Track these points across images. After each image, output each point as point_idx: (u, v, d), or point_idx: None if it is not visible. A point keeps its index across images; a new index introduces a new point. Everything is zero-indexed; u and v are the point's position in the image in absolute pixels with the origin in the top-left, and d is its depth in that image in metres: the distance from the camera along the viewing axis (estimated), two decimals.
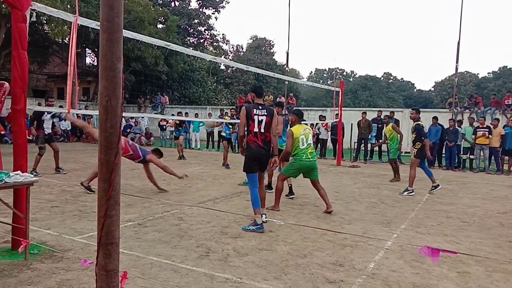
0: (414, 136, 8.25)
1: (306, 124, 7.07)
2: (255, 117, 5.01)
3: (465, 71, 50.83)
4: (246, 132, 5.14)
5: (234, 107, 17.46)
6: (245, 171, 5.14)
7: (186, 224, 5.21)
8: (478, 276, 3.75)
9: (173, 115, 21.33)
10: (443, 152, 13.60)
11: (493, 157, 12.82)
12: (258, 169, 5.10)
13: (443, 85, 52.10)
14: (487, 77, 51.83)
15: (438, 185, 8.44)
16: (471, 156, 13.23)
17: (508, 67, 49.73)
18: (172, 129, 18.81)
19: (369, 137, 14.93)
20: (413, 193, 8.05)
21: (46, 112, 9.15)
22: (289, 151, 6.26)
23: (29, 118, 12.14)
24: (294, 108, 6.95)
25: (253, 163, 5.05)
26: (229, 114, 12.01)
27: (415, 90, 60.93)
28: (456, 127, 13.37)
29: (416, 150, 8.16)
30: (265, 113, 5.06)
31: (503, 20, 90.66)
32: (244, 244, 4.45)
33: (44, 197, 6.52)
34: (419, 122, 8.35)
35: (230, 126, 12.70)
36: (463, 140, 13.29)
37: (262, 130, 5.02)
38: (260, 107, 5.09)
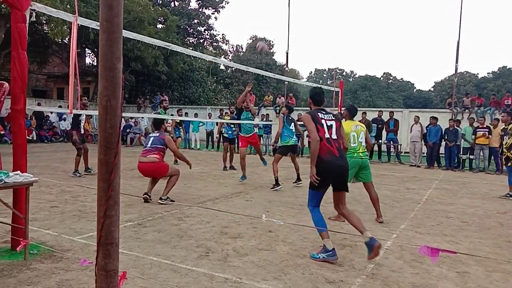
0: None
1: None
2: (323, 121, 4.13)
3: (465, 71, 50.91)
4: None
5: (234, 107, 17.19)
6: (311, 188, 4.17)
7: (186, 224, 5.21)
8: (478, 276, 3.75)
9: (172, 115, 21.31)
10: (443, 152, 13.61)
11: (492, 157, 12.82)
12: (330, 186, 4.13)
13: (442, 85, 52.17)
14: (486, 77, 51.88)
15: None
16: (471, 156, 13.23)
17: (507, 67, 49.79)
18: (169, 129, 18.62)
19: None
20: None
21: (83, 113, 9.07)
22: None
23: (28, 118, 12.12)
24: (349, 104, 6.44)
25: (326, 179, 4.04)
26: (229, 113, 11.86)
27: (414, 90, 60.97)
28: (456, 127, 13.38)
29: None
30: (333, 118, 4.24)
31: (503, 20, 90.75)
32: (243, 244, 4.45)
33: (43, 197, 6.52)
34: None
35: (233, 126, 12.55)
36: (462, 140, 13.30)
37: (335, 137, 4.15)
38: (324, 112, 4.26)
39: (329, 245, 3.94)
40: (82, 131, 9.32)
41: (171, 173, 6.55)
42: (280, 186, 8.07)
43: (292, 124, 8.52)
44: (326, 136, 4.06)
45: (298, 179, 8.74)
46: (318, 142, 3.98)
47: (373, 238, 3.78)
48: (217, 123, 17.76)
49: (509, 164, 8.09)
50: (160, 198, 6.34)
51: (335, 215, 5.78)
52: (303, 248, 4.37)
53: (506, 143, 8.15)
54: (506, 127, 8.33)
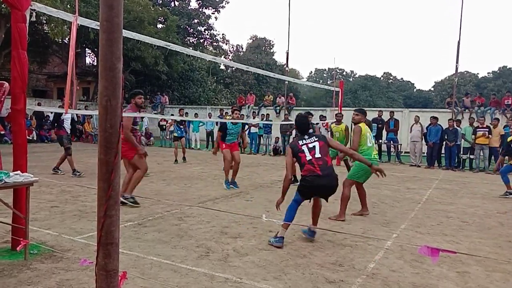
0: None
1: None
2: (303, 148, 4.49)
3: (465, 71, 50.89)
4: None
5: (235, 105, 17.07)
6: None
7: (186, 224, 5.21)
8: (478, 276, 3.75)
9: (172, 115, 21.35)
10: (443, 152, 13.61)
11: (493, 157, 12.82)
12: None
13: (443, 85, 52.17)
14: (487, 77, 51.88)
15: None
16: (471, 156, 13.23)
17: (508, 67, 49.79)
18: (172, 128, 18.47)
19: None
20: None
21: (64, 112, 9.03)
22: (356, 148, 5.75)
23: (29, 118, 12.13)
24: (359, 108, 6.70)
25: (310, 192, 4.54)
26: (230, 112, 11.53)
27: (415, 90, 60.94)
28: (455, 126, 13.37)
29: None
30: (316, 139, 4.56)
31: (503, 20, 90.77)
32: (244, 244, 4.45)
33: (44, 197, 6.52)
34: None
35: (245, 126, 12.31)
36: (463, 140, 13.30)
37: (318, 155, 4.42)
38: (307, 137, 4.61)
39: (281, 233, 4.44)
40: (68, 131, 9.25)
41: (136, 163, 6.06)
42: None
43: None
44: (307, 158, 4.39)
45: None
46: (287, 180, 4.49)
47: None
48: (217, 123, 17.77)
49: (510, 162, 8.19)
50: (122, 196, 5.78)
51: (335, 214, 5.78)
52: (303, 248, 4.37)
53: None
54: None
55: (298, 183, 4.57)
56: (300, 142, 4.54)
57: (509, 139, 8.63)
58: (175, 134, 13.08)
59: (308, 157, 4.39)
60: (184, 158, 12.81)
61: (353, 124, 6.22)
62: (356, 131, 5.87)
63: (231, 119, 8.28)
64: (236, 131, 8.13)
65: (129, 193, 6.09)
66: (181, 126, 13.22)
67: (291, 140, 16.82)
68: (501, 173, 8.47)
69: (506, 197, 8.12)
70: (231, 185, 8.09)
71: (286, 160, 4.60)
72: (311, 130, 6.04)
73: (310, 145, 4.47)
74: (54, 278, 3.31)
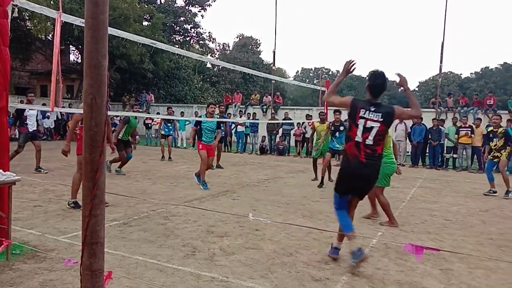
0: (502, 142, 8.32)
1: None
2: (360, 122, 3.70)
3: (449, 71, 51.63)
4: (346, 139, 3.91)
5: (222, 103, 17.06)
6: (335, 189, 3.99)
7: (172, 223, 5.18)
8: (461, 273, 3.82)
9: (158, 113, 21.19)
10: (427, 151, 13.81)
11: (475, 156, 13.06)
12: (352, 194, 3.93)
13: (427, 85, 52.84)
14: (469, 77, 52.77)
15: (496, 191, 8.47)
16: (454, 155, 13.46)
17: (490, 68, 50.81)
18: (156, 127, 18.39)
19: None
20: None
21: (27, 109, 8.89)
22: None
23: (11, 117, 11.91)
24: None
25: (345, 183, 3.89)
26: (219, 112, 11.53)
27: (399, 90, 61.51)
28: (439, 126, 13.59)
29: (507, 154, 8.35)
30: (380, 119, 3.68)
31: (486, 22, 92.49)
32: (230, 243, 4.44)
33: (26, 196, 6.41)
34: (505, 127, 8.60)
35: (222, 125, 12.40)
36: (446, 139, 13.52)
37: (369, 142, 3.68)
38: (373, 108, 3.71)
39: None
40: (31, 129, 9.12)
41: (78, 161, 5.85)
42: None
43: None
44: (356, 139, 3.69)
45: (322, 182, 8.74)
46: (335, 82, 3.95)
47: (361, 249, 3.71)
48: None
49: (495, 160, 8.44)
50: (68, 202, 5.79)
51: (386, 220, 5.60)
52: (289, 247, 4.39)
53: (496, 144, 8.45)
54: (495, 130, 8.57)
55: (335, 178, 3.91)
56: (362, 112, 3.69)
57: (489, 129, 8.86)
58: (163, 132, 13.11)
59: (359, 138, 3.68)
60: (169, 157, 12.78)
61: None
62: None
63: (206, 114, 8.09)
64: (212, 127, 7.85)
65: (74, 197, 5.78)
66: (169, 124, 13.23)
67: (277, 139, 16.92)
68: (486, 171, 8.71)
69: (489, 195, 8.29)
70: (195, 180, 8.06)
71: (337, 101, 3.98)
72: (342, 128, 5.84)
73: (368, 125, 3.67)
74: (37, 278, 3.25)
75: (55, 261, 3.64)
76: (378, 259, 4.10)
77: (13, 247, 3.79)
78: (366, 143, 3.66)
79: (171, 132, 13.88)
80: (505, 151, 8.30)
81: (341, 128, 8.83)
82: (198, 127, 7.83)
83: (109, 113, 4.49)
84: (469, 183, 10.22)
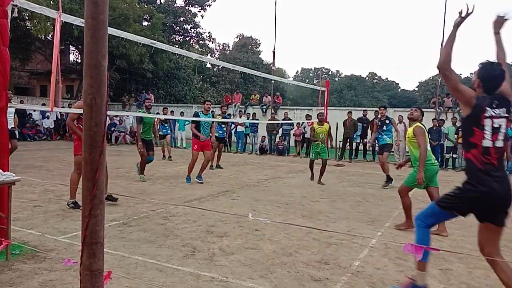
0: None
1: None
2: (487, 122, 2.84)
3: None
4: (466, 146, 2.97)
5: (224, 104, 17.06)
6: (445, 206, 3.11)
7: (172, 223, 5.18)
8: (460, 273, 3.82)
9: (158, 113, 21.16)
10: None
11: None
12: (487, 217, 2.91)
13: (426, 85, 52.85)
14: (469, 77, 52.76)
15: None
16: (454, 155, 13.47)
17: None
18: (158, 127, 18.60)
19: (354, 136, 15.09)
20: None
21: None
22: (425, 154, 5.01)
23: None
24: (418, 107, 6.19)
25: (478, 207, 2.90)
26: (221, 112, 11.66)
27: (399, 90, 61.66)
28: (439, 126, 13.60)
29: None
30: (505, 114, 2.87)
31: (485, 21, 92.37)
32: (230, 243, 4.44)
33: (26, 196, 6.41)
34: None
35: (223, 126, 12.46)
36: (446, 139, 13.52)
37: (500, 144, 2.83)
38: (496, 103, 2.87)
39: (420, 279, 3.09)
40: (8, 126, 9.02)
41: (74, 161, 5.92)
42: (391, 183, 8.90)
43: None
44: (484, 144, 2.80)
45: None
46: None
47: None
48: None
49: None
50: (67, 202, 5.82)
51: (402, 223, 5.40)
52: (289, 247, 4.39)
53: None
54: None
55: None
56: (488, 110, 2.85)
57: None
58: (160, 133, 13.32)
59: (487, 142, 2.81)
60: (169, 157, 12.86)
61: (409, 120, 5.67)
62: (421, 133, 5.15)
63: (202, 110, 8.84)
64: (208, 122, 8.64)
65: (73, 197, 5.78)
66: (166, 125, 13.45)
67: (277, 139, 16.91)
68: None
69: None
70: (198, 180, 8.50)
71: (457, 78, 3.07)
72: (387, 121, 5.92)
73: (496, 123, 2.83)
74: (37, 278, 3.25)
75: (54, 261, 3.64)
76: (377, 259, 4.11)
77: (13, 247, 3.79)
78: (497, 145, 2.82)
79: (168, 131, 14.13)
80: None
81: (387, 121, 9.60)
82: (196, 123, 8.54)
83: (109, 112, 4.46)
84: None
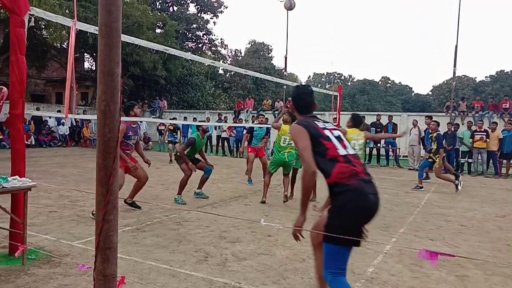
0: (435, 145, 8.91)
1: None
2: (327, 132, 2.70)
3: (463, 75, 50.99)
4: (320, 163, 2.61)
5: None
6: (329, 241, 2.58)
7: (185, 228, 5.19)
8: (477, 279, 3.74)
9: (171, 119, 21.32)
10: None
11: (491, 161, 12.85)
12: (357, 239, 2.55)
13: (440, 89, 52.28)
14: (484, 81, 52.03)
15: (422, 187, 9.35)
16: (469, 160, 13.25)
17: (505, 71, 49.95)
18: (167, 135, 19.10)
19: (367, 141, 14.96)
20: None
21: None
22: None
23: (27, 124, 12.06)
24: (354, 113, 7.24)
25: (355, 224, 2.59)
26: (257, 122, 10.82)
27: (413, 94, 61.09)
28: (454, 130, 13.41)
29: (439, 159, 8.88)
30: (334, 126, 2.87)
31: (501, 24, 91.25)
32: (242, 248, 4.44)
33: (42, 202, 6.50)
34: (439, 132, 9.19)
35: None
36: (461, 144, 13.33)
37: (352, 152, 2.72)
38: (321, 120, 2.89)
39: None
40: None
41: (132, 174, 6.04)
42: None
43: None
44: (341, 153, 2.61)
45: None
46: (314, 174, 2.58)
47: None
48: (215, 128, 17.94)
49: (434, 166, 9.01)
50: (124, 201, 6.11)
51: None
52: (302, 253, 4.36)
53: (432, 148, 9.05)
54: (431, 135, 9.15)
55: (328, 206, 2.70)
56: (319, 124, 2.76)
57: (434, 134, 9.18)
58: (170, 139, 14.32)
59: (342, 150, 2.63)
60: (170, 161, 13.47)
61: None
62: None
63: (257, 123, 9.86)
64: (261, 134, 9.71)
65: (130, 198, 6.20)
66: (175, 134, 14.32)
67: None
68: (420, 167, 9.50)
69: (416, 190, 9.07)
70: (248, 183, 9.24)
71: (302, 145, 2.62)
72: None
73: (335, 133, 2.75)
74: (52, 283, 3.29)
75: (69, 266, 3.68)
76: (392, 265, 4.05)
77: (29, 252, 3.84)
78: (351, 153, 2.69)
79: (176, 140, 14.60)
80: (438, 156, 8.84)
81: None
82: (250, 134, 9.75)
83: (122, 118, 4.47)
84: (484, 188, 10.04)
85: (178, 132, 15.07)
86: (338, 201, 2.54)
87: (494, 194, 9.04)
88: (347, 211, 2.49)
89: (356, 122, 6.59)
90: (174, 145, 13.94)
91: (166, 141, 14.88)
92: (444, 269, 3.98)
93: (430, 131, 9.28)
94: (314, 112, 2.97)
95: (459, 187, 9.05)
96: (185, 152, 7.04)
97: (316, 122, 2.79)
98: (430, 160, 9.05)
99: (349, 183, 2.49)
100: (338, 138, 2.72)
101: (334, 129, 2.80)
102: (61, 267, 3.65)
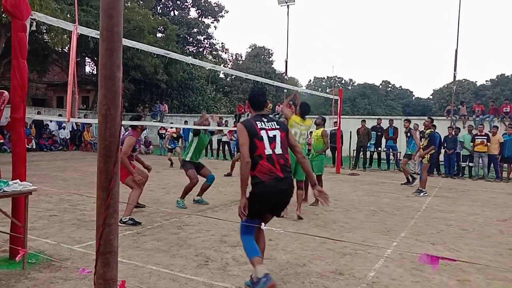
0: (426, 142, 9.03)
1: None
2: (263, 133, 3.32)
3: (463, 79, 51.04)
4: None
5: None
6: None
7: (185, 232, 5.19)
8: (478, 284, 3.73)
9: (172, 123, 21.38)
10: (442, 159, 13.61)
11: (492, 165, 12.84)
12: (267, 216, 3.46)
13: (441, 93, 52.31)
14: (485, 84, 52.05)
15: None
16: (470, 164, 13.23)
17: (505, 75, 49.98)
18: (168, 142, 19.26)
19: (368, 145, 14.97)
20: (426, 194, 9.06)
21: None
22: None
23: (28, 127, 12.08)
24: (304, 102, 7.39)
25: (263, 205, 3.31)
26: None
27: (413, 98, 61.12)
28: (454, 134, 13.40)
29: (429, 155, 9.01)
30: (276, 126, 3.44)
31: (501, 28, 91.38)
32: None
33: (42, 206, 6.50)
34: (433, 130, 9.37)
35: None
36: (462, 147, 13.32)
37: (279, 151, 3.34)
38: (265, 119, 3.46)
39: (259, 272, 3.08)
40: None
41: (129, 183, 5.73)
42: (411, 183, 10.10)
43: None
44: (267, 153, 3.26)
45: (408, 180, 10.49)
46: (248, 163, 3.20)
47: (267, 275, 3.06)
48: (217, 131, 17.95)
49: (423, 160, 9.15)
50: (120, 220, 5.33)
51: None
52: (303, 257, 4.35)
53: (423, 144, 9.14)
54: (424, 131, 9.30)
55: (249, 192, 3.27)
56: (259, 124, 3.36)
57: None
58: (169, 146, 14.29)
59: (268, 150, 3.27)
60: (171, 164, 13.53)
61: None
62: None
63: None
64: None
65: (127, 214, 5.64)
66: (176, 142, 14.41)
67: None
68: (420, 171, 9.63)
69: (417, 194, 9.02)
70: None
71: (241, 141, 3.31)
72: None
73: (271, 133, 3.35)
74: (53, 287, 3.28)
75: (70, 270, 3.68)
76: (393, 270, 4.04)
77: (29, 256, 3.84)
78: (277, 153, 3.31)
79: (177, 145, 14.67)
80: (428, 151, 8.99)
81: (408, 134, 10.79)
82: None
83: (123, 122, 4.49)
84: (485, 192, 10.03)
85: (180, 140, 15.19)
86: (253, 189, 3.28)
87: (495, 198, 9.03)
88: (256, 198, 3.25)
89: (302, 110, 6.88)
90: (174, 149, 13.99)
91: (167, 148, 14.88)
92: (446, 273, 3.97)
93: (424, 128, 9.42)
94: (315, 115, 3.65)
95: (410, 185, 10.17)
96: (191, 154, 7.01)
97: (258, 122, 3.39)
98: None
99: (262, 179, 3.23)
100: (272, 138, 3.34)
101: (273, 129, 3.39)
102: (62, 271, 3.65)
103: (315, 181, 3.54)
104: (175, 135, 14.36)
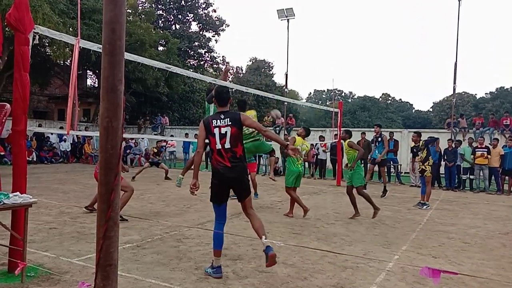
0: (425, 153, 9.04)
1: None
2: (215, 130, 3.98)
3: (463, 92, 51.19)
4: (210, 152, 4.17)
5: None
6: (211, 200, 4.18)
7: (185, 246, 5.16)
8: None
9: (172, 135, 21.41)
10: (443, 172, 13.58)
11: (493, 177, 12.81)
12: (225, 199, 4.17)
13: (441, 105, 52.42)
14: (484, 97, 52.21)
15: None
16: (471, 176, 13.20)
17: (505, 88, 50.15)
18: (173, 149, 19.27)
19: (368, 157, 14.94)
20: (429, 207, 8.97)
21: None
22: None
23: (29, 140, 12.10)
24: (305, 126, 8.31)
25: (218, 188, 4.08)
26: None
27: (413, 110, 61.29)
28: (454, 146, 13.40)
29: (430, 167, 9.04)
30: (229, 123, 4.00)
31: (500, 41, 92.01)
32: (243, 266, 4.39)
33: (42, 218, 6.47)
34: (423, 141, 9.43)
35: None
36: (462, 160, 13.31)
37: (228, 146, 3.97)
38: (223, 116, 4.05)
39: (216, 263, 4.03)
40: None
41: (122, 187, 5.98)
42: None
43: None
44: (217, 148, 3.96)
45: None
46: (199, 153, 4.13)
47: (269, 247, 3.79)
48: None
49: (424, 174, 9.08)
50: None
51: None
52: (304, 270, 4.32)
53: (421, 157, 9.08)
54: (417, 145, 9.25)
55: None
56: (214, 122, 4.01)
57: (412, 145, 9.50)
58: (150, 160, 14.08)
59: (218, 145, 3.96)
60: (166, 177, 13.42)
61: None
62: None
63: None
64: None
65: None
66: (157, 157, 13.99)
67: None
68: (422, 184, 9.46)
69: (419, 207, 8.98)
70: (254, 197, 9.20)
71: (199, 134, 4.12)
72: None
73: (223, 130, 3.97)
74: None
75: (69, 283, 3.65)
76: (395, 283, 4.01)
77: (28, 269, 3.81)
78: (226, 147, 3.96)
79: (157, 162, 14.15)
80: (428, 163, 9.01)
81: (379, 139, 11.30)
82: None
83: (125, 135, 4.52)
84: (487, 205, 9.98)
85: (161, 154, 14.80)
86: (212, 177, 4.08)
87: (497, 210, 8.98)
88: (213, 184, 4.08)
89: (306, 132, 7.88)
90: (157, 165, 13.79)
91: (146, 163, 14.50)
92: (447, 287, 3.93)
93: (414, 144, 9.37)
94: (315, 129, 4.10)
95: (384, 195, 10.62)
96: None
97: (214, 120, 4.03)
98: (419, 169, 9.33)
99: (215, 167, 4.03)
100: (223, 134, 3.96)
101: (225, 126, 3.97)
102: (61, 285, 3.62)
103: (284, 143, 4.12)
104: (155, 150, 14.28)
